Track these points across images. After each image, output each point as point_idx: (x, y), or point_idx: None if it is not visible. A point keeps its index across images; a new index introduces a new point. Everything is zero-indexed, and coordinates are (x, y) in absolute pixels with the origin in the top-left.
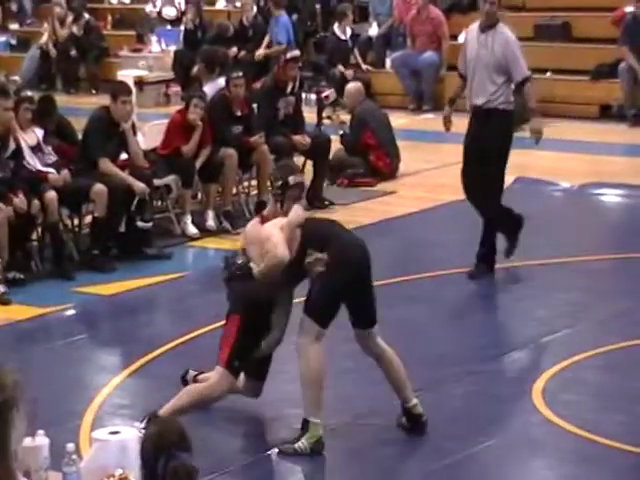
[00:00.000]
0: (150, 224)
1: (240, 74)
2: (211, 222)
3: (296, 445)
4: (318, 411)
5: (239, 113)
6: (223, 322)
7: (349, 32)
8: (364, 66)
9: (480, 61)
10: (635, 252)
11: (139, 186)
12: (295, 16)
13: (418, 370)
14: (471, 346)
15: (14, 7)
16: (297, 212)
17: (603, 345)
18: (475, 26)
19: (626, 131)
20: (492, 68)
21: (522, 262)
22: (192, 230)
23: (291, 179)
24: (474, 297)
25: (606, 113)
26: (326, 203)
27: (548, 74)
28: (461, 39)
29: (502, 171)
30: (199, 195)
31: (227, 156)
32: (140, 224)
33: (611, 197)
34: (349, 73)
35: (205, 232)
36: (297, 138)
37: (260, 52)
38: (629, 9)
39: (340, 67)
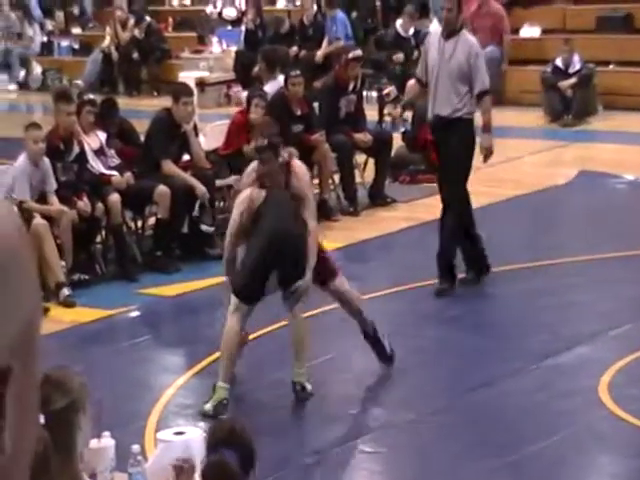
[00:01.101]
0: (213, 228)
1: (298, 72)
2: None
3: (205, 407)
4: (225, 376)
5: (299, 112)
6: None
7: (412, 30)
8: None
9: (443, 70)
10: None
11: (201, 189)
12: (355, 13)
13: (483, 365)
14: (535, 341)
15: (76, 11)
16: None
17: None
18: (437, 32)
19: None
20: (455, 77)
21: (586, 256)
22: None
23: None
24: (538, 292)
25: None
26: (388, 200)
27: (611, 66)
28: (523, 33)
29: (465, 182)
30: None
31: (288, 155)
32: (204, 228)
33: None
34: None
35: None
36: (358, 136)
37: (319, 53)
38: None
39: (399, 56)
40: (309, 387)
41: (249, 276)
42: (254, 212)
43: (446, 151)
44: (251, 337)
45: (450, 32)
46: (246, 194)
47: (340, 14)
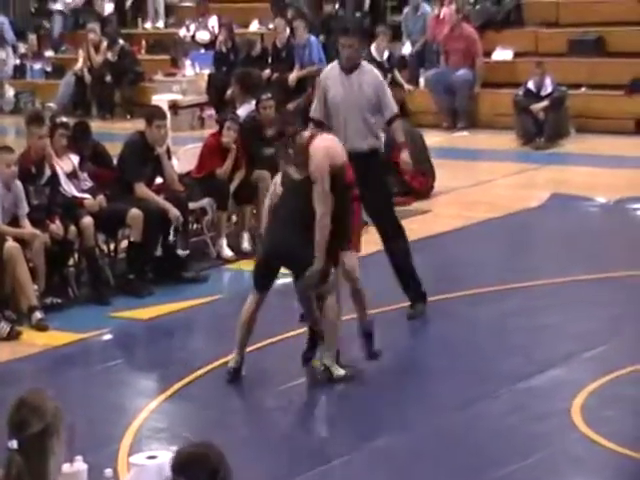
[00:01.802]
0: (187, 252)
1: (269, 96)
2: (246, 244)
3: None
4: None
5: (270, 135)
6: (259, 344)
7: (386, 53)
8: (406, 86)
9: (351, 104)
10: None
11: (174, 212)
12: (327, 37)
13: (455, 388)
14: (508, 363)
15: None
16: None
17: None
18: (333, 69)
19: None
20: (365, 109)
21: (559, 279)
22: (227, 253)
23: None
24: (511, 314)
25: None
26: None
27: (583, 89)
28: (495, 56)
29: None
30: (234, 217)
31: (261, 178)
32: (180, 252)
33: None
34: None
35: (240, 254)
36: None
37: (292, 76)
38: None
39: None
40: (337, 372)
41: (256, 270)
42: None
43: (372, 184)
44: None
45: (353, 67)
46: (275, 178)
47: (313, 38)
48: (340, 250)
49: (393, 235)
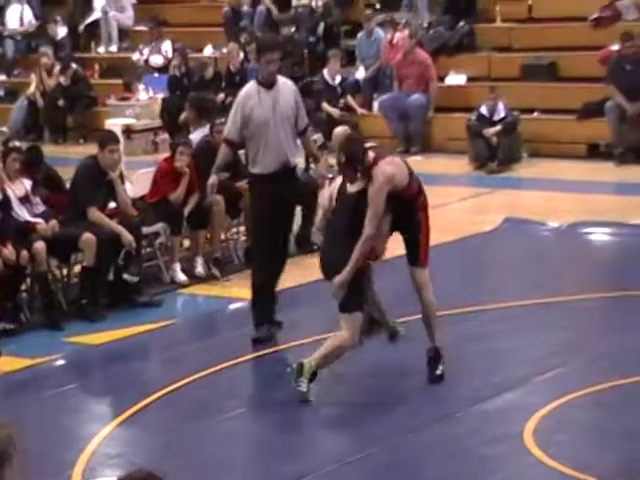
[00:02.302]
0: (137, 278)
1: (223, 120)
2: (200, 269)
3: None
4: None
5: None
6: (213, 369)
7: (339, 78)
8: (360, 110)
9: (279, 119)
10: (624, 290)
11: (127, 237)
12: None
13: (413, 410)
14: (462, 387)
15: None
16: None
17: (594, 384)
18: (250, 89)
19: (614, 169)
20: (288, 121)
21: (513, 302)
22: (181, 277)
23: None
24: (467, 338)
25: (594, 152)
26: (315, 247)
27: (535, 114)
28: (449, 80)
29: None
30: (187, 242)
31: (215, 202)
32: (127, 277)
33: (599, 236)
34: (334, 111)
35: (194, 279)
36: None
37: None
38: (615, 47)
39: (326, 107)
40: (303, 383)
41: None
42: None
43: (291, 201)
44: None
45: (273, 82)
46: (331, 188)
47: None
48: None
49: (281, 253)
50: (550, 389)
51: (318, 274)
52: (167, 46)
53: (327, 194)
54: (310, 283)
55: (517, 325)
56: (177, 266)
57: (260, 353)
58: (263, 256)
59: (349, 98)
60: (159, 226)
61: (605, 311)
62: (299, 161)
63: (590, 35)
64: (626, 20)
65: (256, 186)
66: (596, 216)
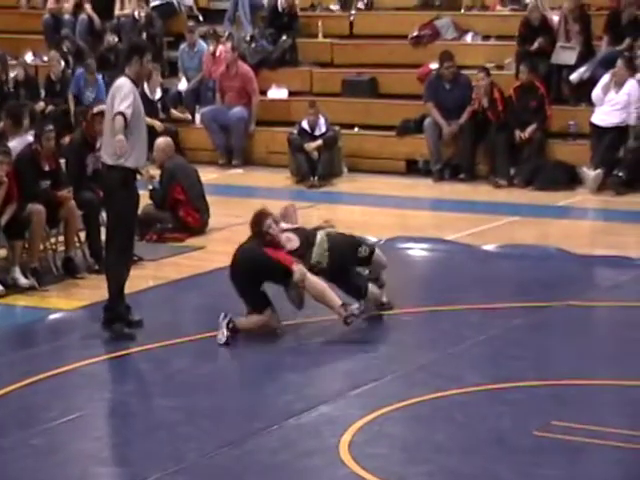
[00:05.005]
0: None
1: (51, 127)
2: (18, 279)
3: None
4: None
5: (47, 168)
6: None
7: (159, 92)
8: (187, 116)
9: (140, 114)
10: (440, 305)
11: None
12: (104, 69)
13: (228, 425)
14: (278, 401)
15: None
16: None
17: (408, 398)
18: (127, 82)
19: (431, 186)
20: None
21: (328, 317)
22: None
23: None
24: (283, 352)
25: (412, 168)
26: (135, 259)
27: (356, 129)
28: (271, 94)
29: None
30: (3, 252)
31: (35, 212)
32: None
33: (417, 251)
34: (158, 124)
35: (11, 289)
36: None
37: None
38: (433, 66)
39: (147, 119)
40: None
41: None
42: None
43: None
44: None
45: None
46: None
47: (100, 79)
48: None
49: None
50: (365, 402)
51: (137, 286)
52: None
53: None
54: (130, 294)
55: (333, 339)
56: None
57: (82, 363)
58: (127, 254)
59: (172, 111)
60: None
61: (421, 325)
62: None
63: (410, 53)
64: (445, 39)
65: (127, 181)
66: (413, 232)
